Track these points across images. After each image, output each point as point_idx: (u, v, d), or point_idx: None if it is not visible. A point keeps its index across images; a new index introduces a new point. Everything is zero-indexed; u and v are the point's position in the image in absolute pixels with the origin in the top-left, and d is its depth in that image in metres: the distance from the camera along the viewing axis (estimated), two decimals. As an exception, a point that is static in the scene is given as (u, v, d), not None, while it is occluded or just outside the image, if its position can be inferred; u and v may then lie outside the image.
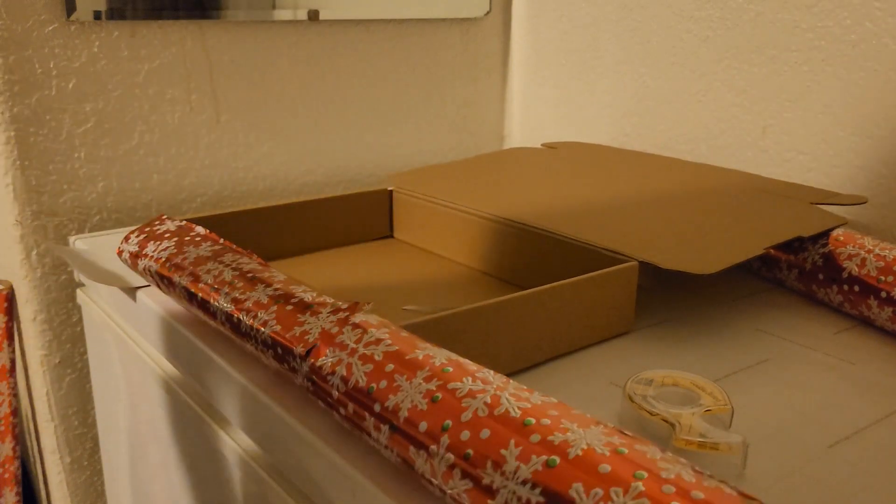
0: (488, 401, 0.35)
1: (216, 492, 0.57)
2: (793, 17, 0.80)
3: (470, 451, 0.34)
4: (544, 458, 0.32)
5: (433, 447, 0.35)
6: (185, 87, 0.87)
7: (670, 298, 0.66)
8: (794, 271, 0.65)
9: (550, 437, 0.33)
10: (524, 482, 0.31)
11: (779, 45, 0.81)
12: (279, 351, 0.45)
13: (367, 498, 0.39)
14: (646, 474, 0.30)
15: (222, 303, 0.51)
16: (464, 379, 0.37)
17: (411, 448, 0.36)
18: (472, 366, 0.39)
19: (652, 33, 0.93)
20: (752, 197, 0.72)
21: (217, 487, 0.57)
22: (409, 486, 0.38)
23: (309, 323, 0.45)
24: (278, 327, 0.46)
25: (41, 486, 0.95)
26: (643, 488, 0.30)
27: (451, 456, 0.34)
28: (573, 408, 0.38)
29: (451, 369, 0.38)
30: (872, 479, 0.41)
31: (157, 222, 0.64)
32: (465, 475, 0.33)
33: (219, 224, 0.72)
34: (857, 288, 0.59)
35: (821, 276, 0.63)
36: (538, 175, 0.83)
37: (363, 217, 0.82)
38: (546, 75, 1.10)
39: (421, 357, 0.39)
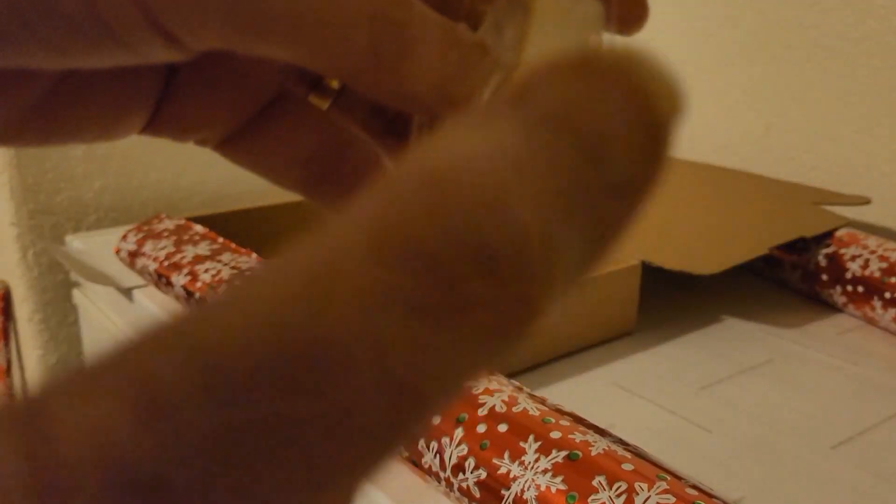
0: (506, 399, 0.35)
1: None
2: (796, 14, 0.79)
3: (486, 442, 0.33)
4: (566, 452, 0.31)
5: (445, 439, 0.34)
6: (183, 86, 0.86)
7: (673, 299, 0.66)
8: (798, 272, 0.65)
9: (571, 436, 0.32)
10: (544, 472, 0.31)
11: (781, 43, 0.81)
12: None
13: (366, 498, 0.38)
14: (669, 477, 0.30)
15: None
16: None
17: (420, 442, 0.36)
18: None
19: (653, 30, 0.92)
20: (755, 197, 0.72)
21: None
22: (410, 487, 0.38)
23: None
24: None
25: (37, 487, 0.94)
26: (668, 486, 0.29)
27: (464, 447, 0.34)
28: (585, 417, 0.37)
29: None
30: (877, 481, 0.40)
31: (155, 221, 0.64)
32: (479, 465, 0.33)
33: (217, 223, 0.72)
34: (860, 289, 0.59)
35: (824, 277, 0.62)
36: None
37: (362, 216, 0.81)
38: (546, 75, 1.09)
39: None
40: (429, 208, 0.08)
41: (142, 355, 0.08)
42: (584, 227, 0.09)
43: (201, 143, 0.21)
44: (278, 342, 0.07)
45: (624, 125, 0.09)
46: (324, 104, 0.20)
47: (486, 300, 0.08)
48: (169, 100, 0.20)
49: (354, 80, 0.17)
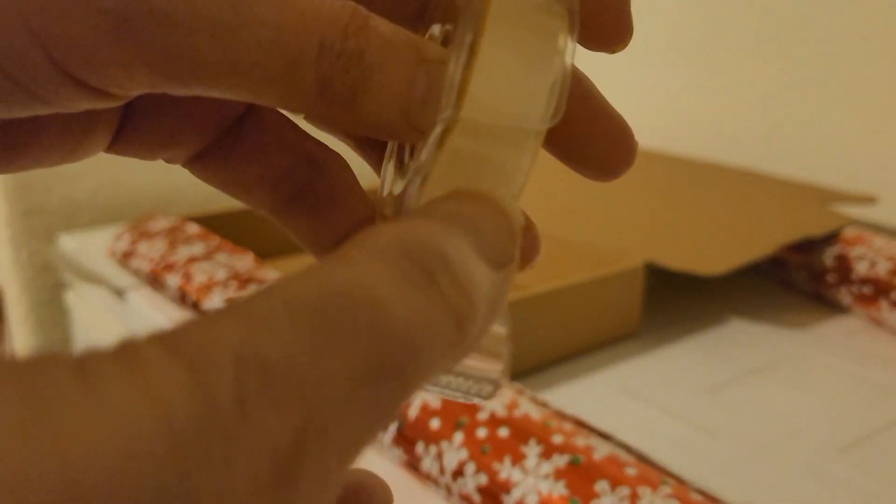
0: (507, 402, 0.34)
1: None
2: (802, 11, 0.79)
3: (487, 446, 0.33)
4: (568, 456, 0.31)
5: (444, 443, 0.34)
6: (179, 84, 0.85)
7: (677, 300, 0.65)
8: (804, 272, 0.64)
9: (573, 440, 0.32)
10: (546, 477, 0.31)
11: (788, 41, 0.80)
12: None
13: None
14: (672, 481, 0.30)
15: (215, 303, 0.50)
16: None
17: (419, 445, 0.35)
18: None
19: (656, 27, 0.91)
20: (761, 196, 0.72)
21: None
22: (408, 492, 0.37)
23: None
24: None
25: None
26: (672, 491, 0.29)
27: (464, 451, 0.33)
28: (587, 420, 0.37)
29: None
30: (884, 485, 0.40)
31: (149, 220, 0.63)
32: (479, 470, 0.32)
33: (212, 222, 0.71)
34: (867, 289, 0.58)
35: (830, 278, 0.61)
36: (540, 175, 0.82)
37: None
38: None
39: None
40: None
41: (238, 304, 0.11)
42: (482, 284, 0.13)
43: (169, 161, 0.20)
44: (326, 290, 0.11)
45: (494, 229, 0.13)
46: (300, 114, 0.19)
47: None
48: (131, 119, 0.19)
49: (307, 116, 0.16)
